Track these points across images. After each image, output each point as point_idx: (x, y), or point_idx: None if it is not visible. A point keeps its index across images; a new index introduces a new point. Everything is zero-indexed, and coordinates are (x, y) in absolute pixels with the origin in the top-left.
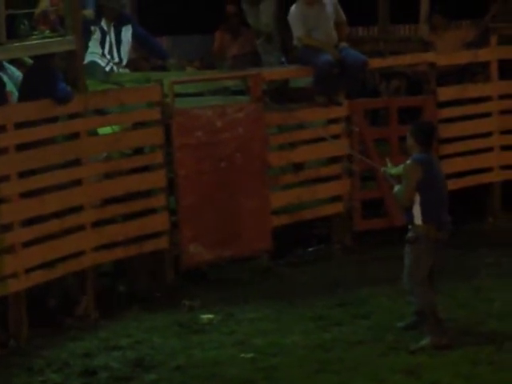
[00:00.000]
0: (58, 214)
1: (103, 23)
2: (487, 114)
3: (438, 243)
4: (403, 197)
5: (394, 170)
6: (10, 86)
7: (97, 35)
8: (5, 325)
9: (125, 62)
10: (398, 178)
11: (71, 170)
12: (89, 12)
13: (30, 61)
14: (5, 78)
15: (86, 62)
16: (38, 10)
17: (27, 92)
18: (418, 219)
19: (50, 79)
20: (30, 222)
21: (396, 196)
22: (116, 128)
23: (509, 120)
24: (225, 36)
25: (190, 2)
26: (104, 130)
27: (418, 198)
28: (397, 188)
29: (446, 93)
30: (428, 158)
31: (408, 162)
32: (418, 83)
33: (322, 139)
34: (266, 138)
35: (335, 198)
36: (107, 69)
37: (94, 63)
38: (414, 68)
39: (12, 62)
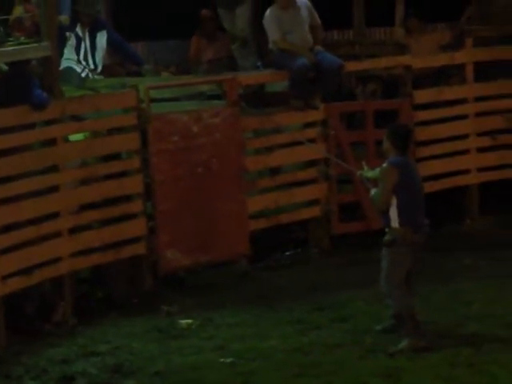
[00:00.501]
0: (34, 221)
1: (78, 29)
2: (463, 117)
3: (415, 246)
4: (380, 200)
5: (370, 174)
6: None
7: (72, 41)
8: None
9: (100, 68)
10: (375, 182)
11: (48, 176)
12: (64, 18)
13: (6, 67)
14: None
15: (61, 68)
16: (12, 17)
17: (2, 98)
18: (394, 222)
19: (25, 85)
20: (6, 229)
21: (373, 199)
22: (87, 134)
23: (485, 122)
24: (200, 41)
25: (165, 8)
26: (76, 137)
27: (394, 201)
28: (373, 191)
29: (422, 95)
30: (404, 160)
31: (384, 165)
32: (394, 86)
33: (299, 143)
34: (242, 142)
35: (312, 202)
36: (83, 75)
37: (69, 69)
38: (390, 71)
39: None
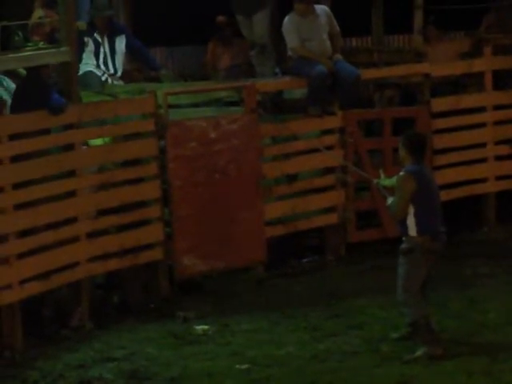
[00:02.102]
0: (52, 226)
1: (96, 34)
2: (481, 125)
3: (433, 254)
4: (397, 209)
5: (386, 182)
6: (6, 98)
7: (90, 46)
8: None
9: (119, 72)
10: (391, 190)
11: (66, 181)
12: (81, 24)
13: (24, 72)
14: (2, 92)
15: (81, 72)
16: (32, 21)
17: (20, 103)
18: (412, 230)
19: (43, 90)
20: (24, 234)
21: (390, 208)
22: (107, 139)
23: (503, 130)
24: (217, 47)
25: (184, 13)
26: (95, 142)
27: (411, 210)
28: (390, 200)
29: (440, 103)
30: (421, 168)
31: (401, 173)
32: (412, 94)
33: (316, 150)
34: (259, 149)
35: (329, 209)
36: (103, 79)
37: (90, 73)
38: (408, 79)
39: (6, 73)
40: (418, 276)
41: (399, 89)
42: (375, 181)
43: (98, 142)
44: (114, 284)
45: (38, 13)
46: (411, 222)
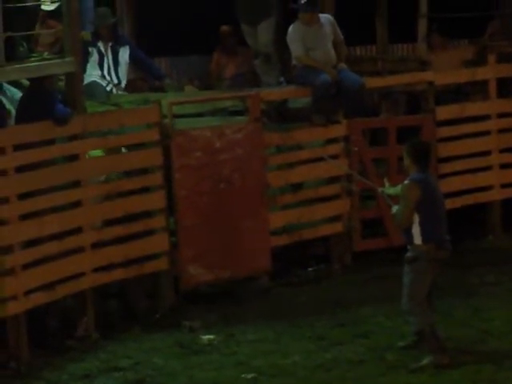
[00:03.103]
0: (57, 236)
1: (100, 44)
2: (486, 133)
3: (438, 262)
4: (402, 217)
5: (391, 191)
6: (10, 108)
7: (94, 57)
8: (5, 346)
9: (123, 83)
10: (396, 199)
11: (71, 191)
12: (86, 33)
13: (27, 82)
14: (4, 100)
15: (86, 82)
16: (36, 32)
17: (24, 114)
18: (417, 239)
19: (47, 101)
20: (29, 244)
21: (395, 216)
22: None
23: (508, 138)
24: (221, 56)
25: (187, 23)
26: (94, 153)
27: (416, 218)
28: (395, 208)
29: (445, 112)
30: (426, 177)
31: (406, 182)
32: (416, 102)
33: (321, 159)
34: (264, 158)
35: (334, 218)
36: (107, 89)
37: (94, 83)
38: (412, 87)
39: (11, 84)
40: (424, 284)
41: (404, 94)
42: (380, 189)
43: (97, 153)
44: (121, 294)
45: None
46: (416, 230)
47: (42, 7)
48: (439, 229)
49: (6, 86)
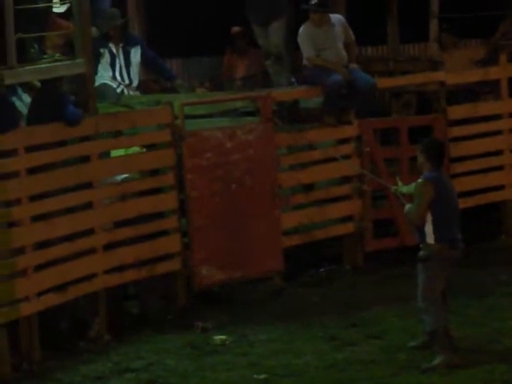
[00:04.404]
0: (69, 237)
1: (111, 45)
2: (498, 132)
3: (451, 261)
4: (415, 215)
5: (405, 189)
6: (22, 110)
7: (106, 58)
8: (17, 348)
9: (135, 83)
10: (409, 197)
11: (82, 192)
12: (94, 30)
13: (39, 84)
14: (18, 103)
15: (97, 84)
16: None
17: (36, 115)
18: (430, 238)
19: (58, 102)
20: (41, 246)
21: (407, 215)
22: (130, 150)
23: None
24: (232, 57)
25: (198, 25)
26: (116, 152)
27: (429, 217)
28: (408, 207)
29: (456, 111)
30: (439, 175)
31: (419, 180)
32: (428, 102)
33: (333, 159)
34: (276, 158)
35: (346, 218)
36: (118, 90)
37: (105, 85)
38: (424, 87)
39: (21, 85)
40: (437, 283)
41: (416, 94)
42: (393, 188)
43: (119, 152)
44: (133, 295)
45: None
46: (429, 229)
47: (54, 10)
48: (452, 228)
49: (20, 91)
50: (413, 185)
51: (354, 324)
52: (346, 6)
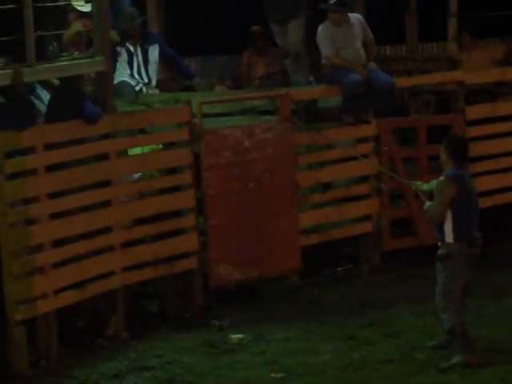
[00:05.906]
0: (87, 235)
1: (129, 44)
2: None
3: (470, 260)
4: (435, 213)
5: (425, 186)
6: (41, 108)
7: (123, 56)
8: (35, 345)
9: (154, 81)
10: (429, 195)
11: (101, 190)
12: (113, 33)
13: (57, 82)
14: (36, 102)
15: (115, 82)
16: (70, 32)
17: (54, 113)
18: (449, 236)
19: (76, 100)
20: (59, 243)
21: (427, 212)
22: (146, 148)
23: None
24: (251, 56)
25: (218, 23)
26: (133, 151)
27: (449, 215)
28: (428, 204)
29: (475, 111)
30: (461, 173)
31: (441, 177)
32: (447, 101)
33: (351, 158)
34: (294, 157)
35: (364, 218)
36: (137, 88)
37: (123, 83)
38: (443, 86)
39: (39, 83)
40: (457, 282)
41: (435, 93)
42: (414, 185)
43: (136, 150)
44: (150, 293)
45: (76, 26)
46: (448, 227)
47: (79, 9)
48: (471, 227)
49: (39, 88)
50: (433, 182)
51: (370, 323)
52: (364, 5)
